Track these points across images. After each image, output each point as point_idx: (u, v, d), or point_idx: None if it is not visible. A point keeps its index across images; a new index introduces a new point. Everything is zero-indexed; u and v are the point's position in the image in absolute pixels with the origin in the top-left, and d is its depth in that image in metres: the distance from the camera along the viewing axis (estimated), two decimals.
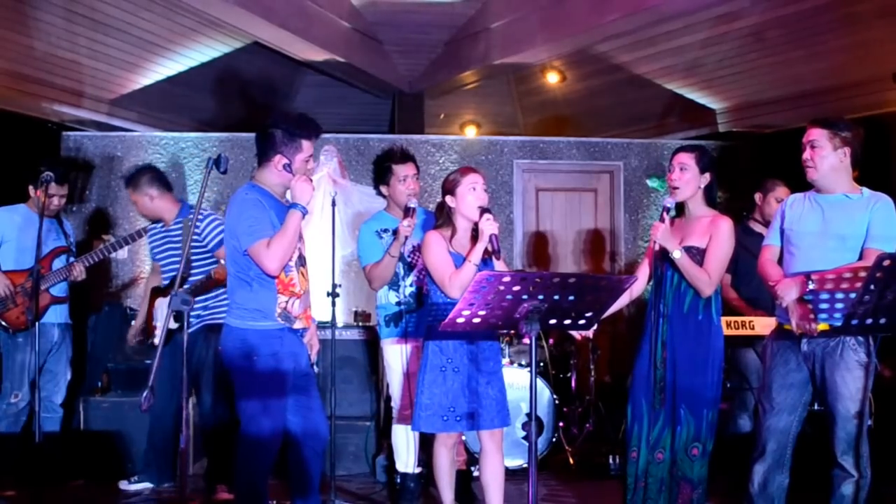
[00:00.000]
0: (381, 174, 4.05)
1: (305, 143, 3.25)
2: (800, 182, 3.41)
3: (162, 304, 4.40)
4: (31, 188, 4.56)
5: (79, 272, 4.54)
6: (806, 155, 3.23)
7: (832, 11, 5.38)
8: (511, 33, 6.73)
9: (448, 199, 3.39)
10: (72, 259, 4.62)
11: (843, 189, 3.23)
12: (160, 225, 4.46)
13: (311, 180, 3.24)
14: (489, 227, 3.25)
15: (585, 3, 5.89)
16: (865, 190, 3.23)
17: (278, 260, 3.08)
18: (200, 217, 4.29)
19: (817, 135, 3.21)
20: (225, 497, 4.28)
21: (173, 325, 4.30)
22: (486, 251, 3.29)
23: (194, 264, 4.32)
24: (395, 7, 6.98)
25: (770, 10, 5.61)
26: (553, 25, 6.24)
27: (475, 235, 3.36)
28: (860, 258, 3.12)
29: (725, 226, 3.39)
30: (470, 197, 3.33)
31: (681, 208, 3.54)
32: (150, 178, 4.40)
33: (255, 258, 3.10)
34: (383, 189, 4.06)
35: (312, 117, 3.35)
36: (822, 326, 3.10)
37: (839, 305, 2.90)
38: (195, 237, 4.26)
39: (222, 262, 4.04)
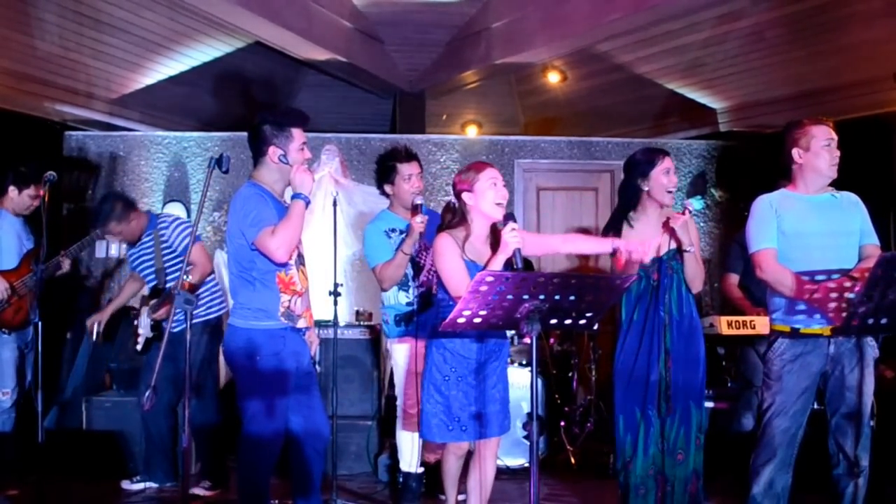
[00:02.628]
0: (385, 173, 3.99)
1: (296, 132, 3.28)
2: None
3: (145, 312, 4.46)
4: (12, 188, 4.47)
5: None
6: (837, 154, 3.21)
7: (833, 11, 5.38)
8: (512, 33, 6.73)
9: (465, 196, 3.13)
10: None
11: (826, 189, 3.29)
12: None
13: (310, 170, 3.25)
14: (514, 240, 2.98)
15: (587, 3, 5.89)
16: (835, 190, 3.29)
17: (285, 246, 3.08)
18: (164, 224, 4.35)
19: (836, 136, 3.24)
20: (201, 494, 4.31)
21: (150, 333, 4.37)
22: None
23: (168, 272, 4.36)
24: (396, 7, 6.98)
25: (771, 10, 5.61)
26: (554, 25, 6.24)
27: (492, 241, 3.16)
28: (859, 254, 3.16)
29: (691, 224, 3.51)
30: (491, 193, 3.10)
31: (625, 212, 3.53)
32: (122, 206, 4.35)
33: (261, 247, 3.09)
34: (387, 188, 4.01)
35: (301, 110, 3.37)
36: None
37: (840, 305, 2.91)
38: (165, 246, 4.33)
39: (188, 277, 4.05)
